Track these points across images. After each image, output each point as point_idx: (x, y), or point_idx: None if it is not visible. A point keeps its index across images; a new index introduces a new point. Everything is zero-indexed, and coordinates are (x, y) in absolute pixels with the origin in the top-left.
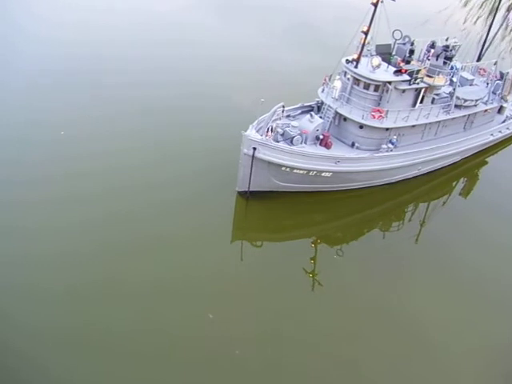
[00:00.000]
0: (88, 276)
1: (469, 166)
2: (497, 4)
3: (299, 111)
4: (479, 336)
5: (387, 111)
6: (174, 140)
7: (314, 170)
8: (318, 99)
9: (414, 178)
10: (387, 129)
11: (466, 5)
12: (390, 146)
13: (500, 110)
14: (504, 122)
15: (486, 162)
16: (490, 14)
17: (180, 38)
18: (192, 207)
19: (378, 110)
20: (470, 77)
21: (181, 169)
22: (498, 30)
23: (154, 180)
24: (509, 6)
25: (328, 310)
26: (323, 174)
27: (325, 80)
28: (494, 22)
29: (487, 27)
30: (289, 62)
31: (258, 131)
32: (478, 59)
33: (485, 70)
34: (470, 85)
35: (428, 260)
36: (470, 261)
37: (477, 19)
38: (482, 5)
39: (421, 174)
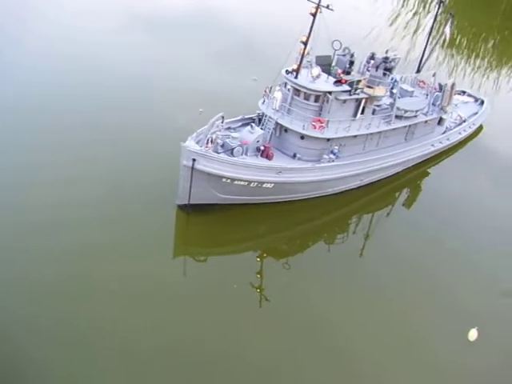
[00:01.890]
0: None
1: (411, 177)
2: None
3: (240, 123)
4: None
5: (328, 121)
6: (109, 156)
7: (255, 181)
8: (259, 111)
9: (356, 188)
10: (328, 139)
11: (391, 24)
12: (332, 156)
13: (440, 121)
14: (444, 132)
15: (429, 173)
16: (414, 32)
17: (112, 58)
18: (129, 223)
19: (319, 120)
20: (410, 88)
21: (116, 185)
22: (436, 43)
23: (89, 196)
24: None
25: (276, 327)
26: (265, 185)
27: (265, 91)
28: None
29: (425, 40)
30: (226, 80)
31: (197, 143)
32: (418, 71)
33: (424, 82)
34: (410, 96)
35: (374, 274)
36: (418, 269)
37: (403, 37)
38: (406, 25)
39: (363, 184)
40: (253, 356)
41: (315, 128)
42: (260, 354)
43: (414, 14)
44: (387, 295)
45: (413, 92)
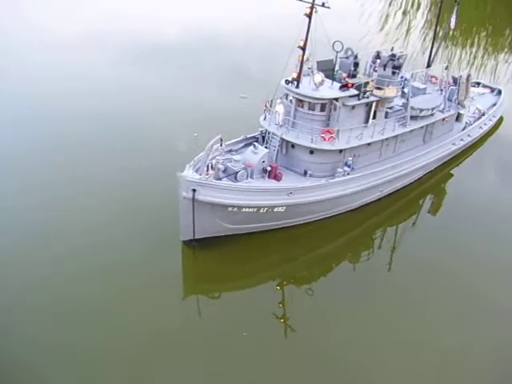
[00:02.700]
0: None
1: (434, 181)
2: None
3: (242, 144)
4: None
5: (338, 131)
6: (103, 196)
7: (264, 207)
8: (261, 129)
9: (377, 200)
10: (340, 151)
11: (382, 28)
12: (347, 169)
13: (458, 117)
14: (464, 129)
15: (452, 175)
16: (407, 33)
17: (100, 88)
18: (132, 268)
19: (328, 131)
20: (421, 86)
21: (114, 226)
22: (444, 34)
23: (83, 244)
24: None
25: (305, 360)
26: (276, 210)
27: (265, 106)
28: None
29: (432, 33)
30: (223, 103)
31: (196, 171)
32: (428, 66)
33: (436, 78)
34: (423, 94)
35: (406, 287)
36: (451, 279)
37: (395, 40)
38: (397, 27)
39: (384, 195)
40: None
41: (325, 140)
42: None
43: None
44: (421, 310)
45: (425, 89)
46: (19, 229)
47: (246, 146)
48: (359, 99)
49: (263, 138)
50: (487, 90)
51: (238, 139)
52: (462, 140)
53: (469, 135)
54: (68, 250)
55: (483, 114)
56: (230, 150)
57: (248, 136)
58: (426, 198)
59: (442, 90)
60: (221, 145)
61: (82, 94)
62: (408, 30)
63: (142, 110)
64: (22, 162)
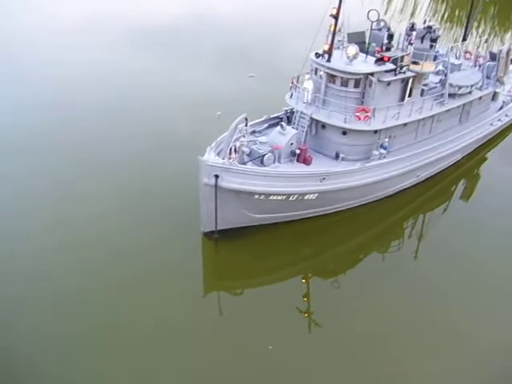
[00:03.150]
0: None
1: (468, 166)
2: None
3: (265, 125)
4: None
5: (374, 109)
6: (117, 184)
7: (295, 194)
8: (286, 108)
9: (412, 186)
10: (376, 131)
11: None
12: (383, 151)
13: (494, 96)
14: (501, 108)
15: (486, 159)
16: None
17: (105, 72)
18: (147, 262)
19: (364, 110)
20: (456, 61)
21: (130, 216)
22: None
23: (99, 231)
24: None
25: (329, 356)
26: (307, 197)
27: (292, 83)
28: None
29: (469, 4)
30: (230, 83)
31: (218, 154)
32: (463, 39)
33: (470, 53)
34: (458, 70)
35: (433, 276)
36: (480, 268)
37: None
38: (401, 10)
39: (420, 181)
40: None
41: (359, 119)
42: None
43: None
44: (447, 302)
45: (460, 65)
46: (27, 214)
47: (270, 127)
48: (396, 74)
49: (288, 118)
50: None
51: (261, 119)
52: (499, 120)
53: (506, 115)
54: (77, 238)
55: None
56: (253, 132)
57: (271, 116)
58: (459, 184)
59: (479, 66)
60: (246, 125)
61: (91, 77)
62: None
63: (149, 93)
64: (29, 145)
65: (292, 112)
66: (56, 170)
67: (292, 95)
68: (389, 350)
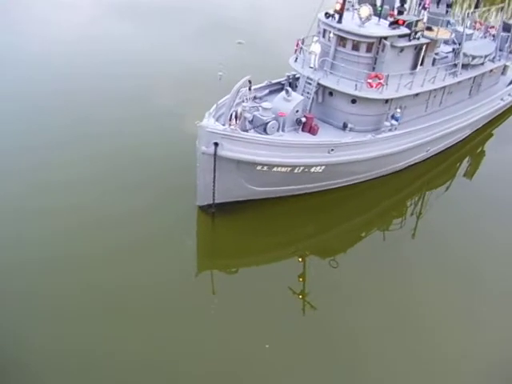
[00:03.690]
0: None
1: (475, 142)
2: None
3: (266, 91)
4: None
5: (387, 77)
6: (109, 152)
7: (300, 166)
8: (288, 74)
9: (421, 162)
10: (386, 101)
11: None
12: (394, 122)
13: (504, 69)
14: (511, 83)
15: (492, 135)
16: None
17: (90, 50)
18: (141, 238)
19: (377, 76)
20: (468, 31)
21: (119, 186)
22: None
23: (90, 198)
24: None
25: (323, 338)
26: (313, 170)
27: (297, 45)
28: None
29: None
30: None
31: (217, 120)
32: (476, 7)
33: (481, 23)
34: (470, 40)
35: (428, 256)
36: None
37: None
38: None
39: (429, 156)
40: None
41: (371, 86)
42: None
43: None
44: (445, 279)
45: (471, 35)
46: (22, 175)
47: (271, 93)
48: (410, 40)
49: (290, 84)
50: None
51: (262, 85)
52: (509, 95)
53: None
54: (70, 203)
55: None
56: (254, 97)
57: (273, 82)
58: (464, 161)
59: (493, 37)
60: (249, 88)
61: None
62: None
63: (135, 61)
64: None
65: (295, 78)
66: (41, 133)
67: (297, 59)
68: (384, 330)
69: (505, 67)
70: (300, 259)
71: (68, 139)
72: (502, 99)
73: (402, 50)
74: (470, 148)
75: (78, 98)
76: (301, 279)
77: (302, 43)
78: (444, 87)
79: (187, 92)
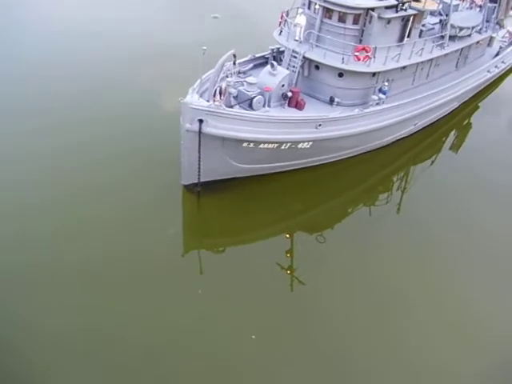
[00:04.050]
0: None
1: (462, 115)
2: None
3: (250, 65)
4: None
5: (375, 49)
6: (88, 142)
7: (287, 142)
8: (272, 47)
9: (409, 136)
10: (374, 74)
11: None
12: (382, 96)
13: (490, 41)
14: (497, 54)
15: (478, 107)
16: None
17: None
18: (120, 222)
19: (364, 49)
20: (454, 1)
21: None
22: None
23: (78, 191)
24: None
25: (312, 314)
26: (300, 146)
27: (281, 17)
28: None
29: None
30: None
31: (201, 96)
32: None
33: None
34: (456, 11)
35: (412, 230)
36: (458, 223)
37: None
38: None
39: (417, 129)
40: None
41: (359, 60)
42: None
43: None
44: (434, 255)
45: (458, 6)
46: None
47: (255, 67)
48: (397, 11)
49: (274, 57)
50: None
51: (246, 59)
52: (496, 67)
53: (503, 61)
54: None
55: None
56: (238, 72)
57: (257, 55)
58: (450, 135)
59: (480, 7)
60: (234, 63)
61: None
62: None
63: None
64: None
65: (280, 51)
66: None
67: (281, 32)
68: (371, 302)
69: (491, 39)
70: (287, 236)
71: (35, 108)
72: (488, 71)
73: (389, 21)
74: (456, 121)
75: (53, 72)
76: (288, 255)
77: (287, 15)
78: (431, 59)
79: (163, 65)
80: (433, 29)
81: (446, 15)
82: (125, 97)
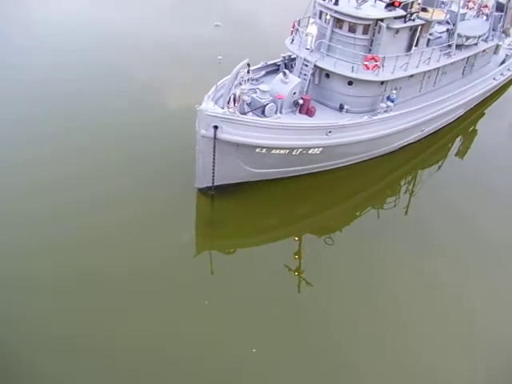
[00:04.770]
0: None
1: (468, 122)
2: None
3: (263, 72)
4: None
5: (384, 58)
6: (105, 146)
7: (299, 148)
8: (284, 55)
9: (416, 142)
10: (382, 82)
11: None
12: (390, 104)
13: (496, 49)
14: (503, 62)
15: (484, 114)
16: None
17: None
18: (135, 226)
19: (373, 58)
20: (461, 10)
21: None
22: None
23: (91, 197)
24: None
25: (319, 315)
26: (311, 152)
27: (293, 27)
28: None
29: None
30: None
31: (216, 103)
32: None
33: (474, 2)
34: (462, 20)
35: (417, 232)
36: (469, 227)
37: None
38: None
39: (424, 136)
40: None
41: (368, 68)
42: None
43: None
44: (442, 260)
45: (465, 15)
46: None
47: (268, 74)
48: (405, 21)
49: (285, 65)
50: None
51: (258, 66)
52: (502, 75)
53: (509, 69)
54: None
55: None
56: (251, 79)
57: (269, 63)
58: (456, 141)
59: (487, 16)
60: (248, 71)
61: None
62: None
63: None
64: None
65: (291, 59)
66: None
67: (293, 40)
68: (378, 302)
69: (497, 47)
70: (296, 238)
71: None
72: (494, 79)
73: (397, 31)
74: (462, 127)
75: (54, 74)
76: (297, 257)
77: (299, 24)
78: (438, 68)
79: (174, 68)
80: (440, 37)
81: (453, 24)
82: (136, 100)
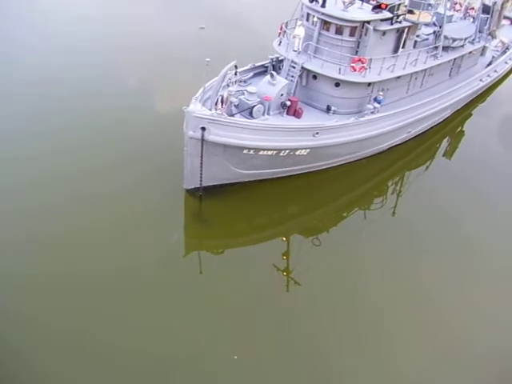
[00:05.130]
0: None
1: (455, 123)
2: None
3: (251, 74)
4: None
5: (370, 60)
6: (94, 147)
7: (286, 149)
8: (271, 56)
9: (403, 143)
10: (369, 84)
11: None
12: (377, 105)
13: (482, 50)
14: (490, 64)
15: (471, 115)
16: None
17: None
18: (124, 226)
19: (360, 60)
20: (448, 12)
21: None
22: None
23: (79, 197)
24: None
25: (308, 313)
26: (298, 153)
27: (281, 29)
28: None
29: None
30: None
31: (204, 104)
32: None
33: (460, 4)
34: (449, 22)
35: (404, 233)
36: (453, 227)
37: None
38: None
39: (411, 137)
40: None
41: (355, 70)
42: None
43: None
44: (422, 258)
45: (452, 16)
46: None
47: (256, 76)
48: (392, 23)
49: (273, 66)
50: (507, 22)
51: (246, 68)
52: (489, 76)
53: (495, 71)
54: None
55: (507, 48)
56: (239, 81)
57: (257, 64)
58: (444, 141)
59: (473, 18)
60: (235, 73)
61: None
62: None
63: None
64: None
65: (279, 61)
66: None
67: (281, 42)
68: (364, 304)
69: (484, 48)
70: (284, 239)
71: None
72: (481, 80)
73: (384, 33)
74: (450, 128)
75: (52, 74)
76: (285, 257)
77: (286, 27)
78: (425, 69)
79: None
80: (427, 39)
81: (440, 26)
82: (124, 101)
